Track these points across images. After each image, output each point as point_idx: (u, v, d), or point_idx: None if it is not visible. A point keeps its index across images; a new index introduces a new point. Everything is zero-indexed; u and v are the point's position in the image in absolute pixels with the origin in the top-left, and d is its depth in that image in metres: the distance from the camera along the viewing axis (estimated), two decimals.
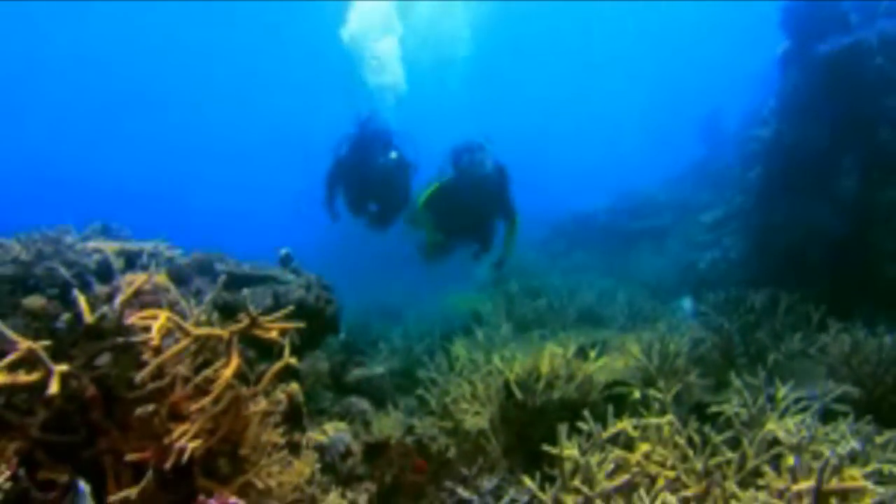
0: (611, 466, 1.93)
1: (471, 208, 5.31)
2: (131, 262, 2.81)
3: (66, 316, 1.88)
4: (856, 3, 5.73)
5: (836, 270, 4.04)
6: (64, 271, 2.47)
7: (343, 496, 1.95)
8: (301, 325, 1.71)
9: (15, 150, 22.64)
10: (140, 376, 1.51)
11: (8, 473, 1.31)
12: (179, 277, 3.00)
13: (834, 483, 1.50)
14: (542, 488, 1.93)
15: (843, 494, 1.52)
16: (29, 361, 1.49)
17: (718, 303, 3.72)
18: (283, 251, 3.42)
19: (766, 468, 1.85)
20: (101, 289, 2.32)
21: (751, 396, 2.25)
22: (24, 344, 1.39)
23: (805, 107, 5.07)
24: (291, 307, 1.85)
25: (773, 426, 2.03)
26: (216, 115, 25.09)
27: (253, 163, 24.95)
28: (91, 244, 2.65)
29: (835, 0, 5.70)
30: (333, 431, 2.47)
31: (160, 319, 1.55)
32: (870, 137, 4.55)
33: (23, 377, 1.42)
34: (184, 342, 1.61)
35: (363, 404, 2.89)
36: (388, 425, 2.68)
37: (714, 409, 2.49)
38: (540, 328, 4.29)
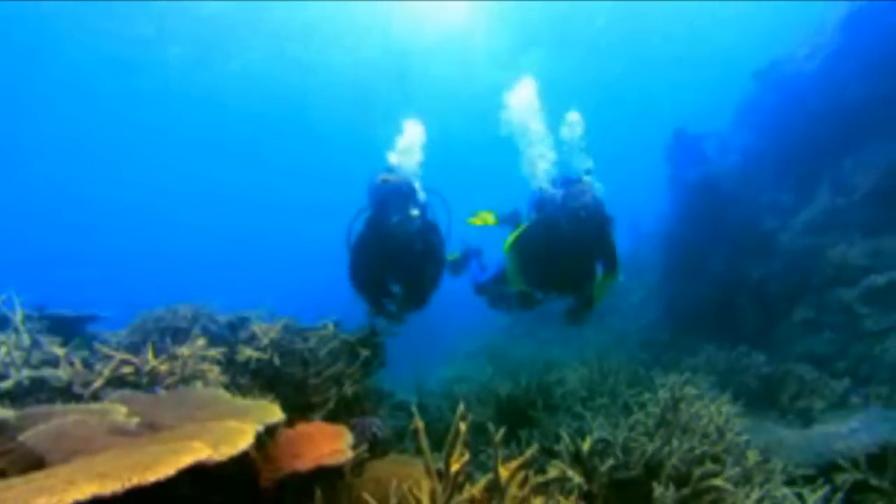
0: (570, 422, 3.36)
1: (569, 251, 4.39)
2: (243, 323, 4.16)
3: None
4: (713, 142, 8.34)
5: (716, 322, 5.80)
6: (212, 326, 3.82)
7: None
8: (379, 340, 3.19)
9: None
10: (322, 353, 2.89)
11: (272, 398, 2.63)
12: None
13: (683, 392, 3.01)
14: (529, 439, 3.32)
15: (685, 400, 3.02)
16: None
17: (638, 342, 5.33)
18: (332, 320, 4.80)
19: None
20: (241, 333, 3.70)
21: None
22: (269, 331, 2.78)
23: (684, 215, 7.23)
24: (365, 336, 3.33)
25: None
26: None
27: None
28: (222, 315, 4.02)
29: (698, 137, 8.30)
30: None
31: (329, 328, 2.98)
32: (728, 233, 6.64)
33: (258, 354, 2.78)
34: (334, 342, 3.02)
35: (402, 415, 4.17)
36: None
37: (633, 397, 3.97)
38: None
